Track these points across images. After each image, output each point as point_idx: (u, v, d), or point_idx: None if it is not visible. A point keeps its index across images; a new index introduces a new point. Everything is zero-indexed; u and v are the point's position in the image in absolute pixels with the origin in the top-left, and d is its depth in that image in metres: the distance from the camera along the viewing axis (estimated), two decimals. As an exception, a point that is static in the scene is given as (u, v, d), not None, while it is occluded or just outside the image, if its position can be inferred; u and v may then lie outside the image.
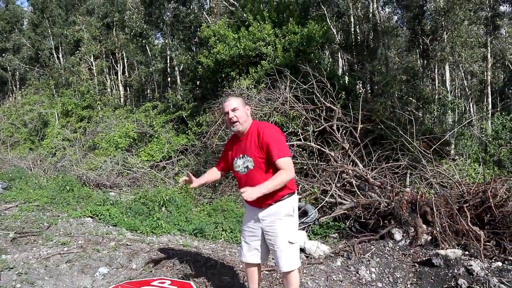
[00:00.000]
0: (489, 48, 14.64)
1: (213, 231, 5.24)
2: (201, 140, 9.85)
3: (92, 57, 20.25)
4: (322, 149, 6.92)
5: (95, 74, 20.36)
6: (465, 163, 7.78)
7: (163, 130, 12.08)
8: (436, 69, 13.39)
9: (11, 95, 25.87)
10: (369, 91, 12.03)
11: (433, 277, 3.58)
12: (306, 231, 5.08)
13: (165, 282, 3.16)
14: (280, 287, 3.35)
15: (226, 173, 2.98)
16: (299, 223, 4.17)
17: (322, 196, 5.82)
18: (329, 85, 7.63)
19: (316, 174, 6.43)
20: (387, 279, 3.67)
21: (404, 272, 3.76)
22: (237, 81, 9.88)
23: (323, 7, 13.33)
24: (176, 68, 16.76)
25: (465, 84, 16.58)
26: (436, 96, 11.87)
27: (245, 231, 2.74)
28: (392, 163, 6.18)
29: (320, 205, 5.59)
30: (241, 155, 2.58)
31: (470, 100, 16.08)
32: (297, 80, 7.79)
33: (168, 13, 15.61)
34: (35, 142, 15.73)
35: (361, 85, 12.04)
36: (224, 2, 14.42)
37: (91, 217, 5.46)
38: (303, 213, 5.36)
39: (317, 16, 12.57)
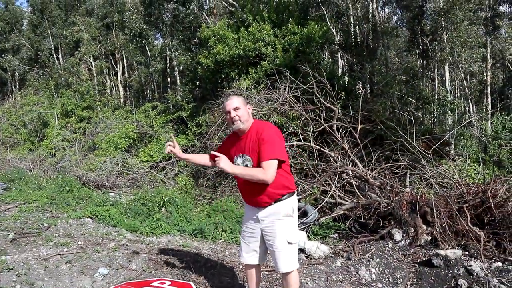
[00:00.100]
0: (488, 48, 14.63)
1: (213, 231, 5.24)
2: (200, 141, 9.84)
3: (91, 57, 20.24)
4: (322, 149, 6.92)
5: (95, 75, 20.34)
6: (465, 164, 7.78)
7: (162, 130, 12.08)
8: (436, 70, 13.39)
9: (10, 95, 25.84)
10: (369, 91, 12.02)
11: (433, 278, 3.58)
12: (306, 232, 5.08)
13: (165, 283, 3.16)
14: (280, 287, 3.35)
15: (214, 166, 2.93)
16: (299, 224, 4.17)
17: (322, 197, 5.82)
18: (328, 86, 7.63)
19: (316, 175, 6.45)
20: (387, 279, 3.67)
21: (404, 273, 3.76)
22: (237, 81, 9.88)
23: (322, 7, 13.34)
24: (176, 69, 16.73)
25: (465, 84, 16.56)
26: (436, 97, 11.88)
27: (244, 232, 2.73)
28: (392, 164, 6.18)
29: (320, 206, 5.59)
30: (241, 154, 2.58)
31: (469, 100, 16.06)
32: (296, 81, 7.79)
33: (168, 14, 15.59)
34: (35, 143, 15.76)
35: (360, 85, 12.02)
36: (223, 2, 14.41)
37: (91, 218, 5.47)
38: (303, 214, 5.36)
39: (316, 16, 12.58)
